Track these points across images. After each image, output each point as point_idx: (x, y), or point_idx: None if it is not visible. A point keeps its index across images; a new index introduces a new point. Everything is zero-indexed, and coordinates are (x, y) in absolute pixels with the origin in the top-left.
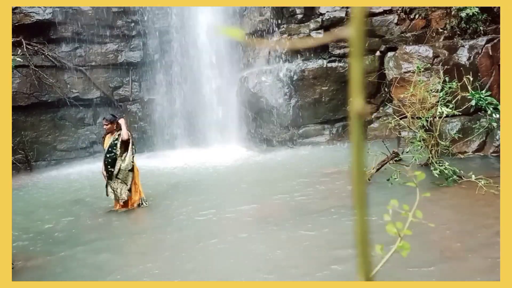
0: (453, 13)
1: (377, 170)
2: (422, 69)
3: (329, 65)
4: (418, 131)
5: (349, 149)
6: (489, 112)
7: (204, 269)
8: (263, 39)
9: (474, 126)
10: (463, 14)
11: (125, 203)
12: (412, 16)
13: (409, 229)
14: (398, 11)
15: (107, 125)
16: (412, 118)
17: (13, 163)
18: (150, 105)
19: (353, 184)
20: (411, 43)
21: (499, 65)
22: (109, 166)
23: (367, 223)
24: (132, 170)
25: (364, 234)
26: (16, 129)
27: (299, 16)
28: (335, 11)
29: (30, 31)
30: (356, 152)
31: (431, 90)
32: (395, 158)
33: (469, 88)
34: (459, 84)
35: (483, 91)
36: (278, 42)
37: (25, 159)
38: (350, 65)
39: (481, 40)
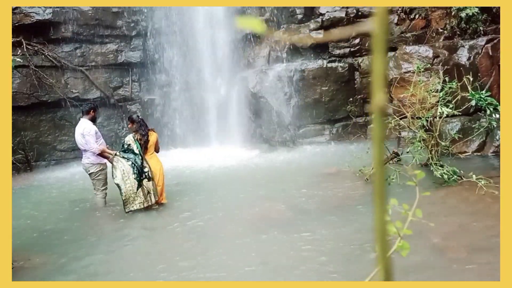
0: (453, 13)
1: None
2: (422, 69)
3: (329, 65)
4: (418, 131)
5: (349, 149)
6: (488, 112)
7: (208, 270)
8: (262, 39)
9: (474, 126)
10: (463, 14)
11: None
12: (412, 16)
13: (410, 229)
14: (398, 11)
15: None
16: (412, 118)
17: (13, 163)
18: (150, 105)
19: (374, 177)
20: (411, 43)
21: (499, 65)
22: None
23: (386, 218)
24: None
25: (383, 229)
26: (16, 129)
27: (299, 16)
28: (335, 11)
29: (30, 31)
30: (377, 146)
31: (431, 90)
32: (395, 158)
33: (469, 88)
34: (459, 84)
35: (483, 91)
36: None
37: (25, 159)
38: (373, 61)
39: (481, 40)
